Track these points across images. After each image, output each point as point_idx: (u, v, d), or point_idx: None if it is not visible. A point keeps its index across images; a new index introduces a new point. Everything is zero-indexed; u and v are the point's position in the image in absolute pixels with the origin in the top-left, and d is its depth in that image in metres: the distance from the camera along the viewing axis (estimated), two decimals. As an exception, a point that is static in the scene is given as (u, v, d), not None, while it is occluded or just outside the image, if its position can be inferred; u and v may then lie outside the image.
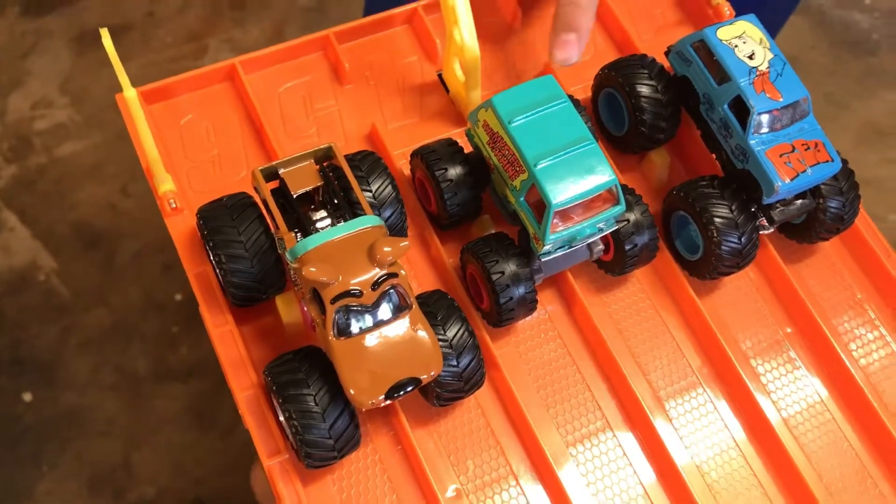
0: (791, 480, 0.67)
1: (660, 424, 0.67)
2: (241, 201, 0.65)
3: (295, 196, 0.63)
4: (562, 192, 0.62)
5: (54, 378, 1.72)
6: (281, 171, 0.63)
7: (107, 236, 1.89)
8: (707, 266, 0.70)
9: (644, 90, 0.72)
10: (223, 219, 0.63)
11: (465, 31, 0.71)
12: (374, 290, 0.58)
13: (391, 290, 0.59)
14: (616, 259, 0.70)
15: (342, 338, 0.58)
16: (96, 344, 1.76)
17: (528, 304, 0.67)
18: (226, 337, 0.66)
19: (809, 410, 0.71)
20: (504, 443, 0.67)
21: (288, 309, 0.67)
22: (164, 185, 0.68)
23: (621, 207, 0.65)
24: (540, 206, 0.64)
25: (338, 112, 0.77)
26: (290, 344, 0.66)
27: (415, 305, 0.60)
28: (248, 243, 0.63)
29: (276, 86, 0.77)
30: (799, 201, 0.70)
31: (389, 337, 0.59)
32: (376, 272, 0.58)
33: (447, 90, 0.78)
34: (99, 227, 1.90)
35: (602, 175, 0.63)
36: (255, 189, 0.64)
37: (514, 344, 0.70)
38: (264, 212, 0.64)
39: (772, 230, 0.72)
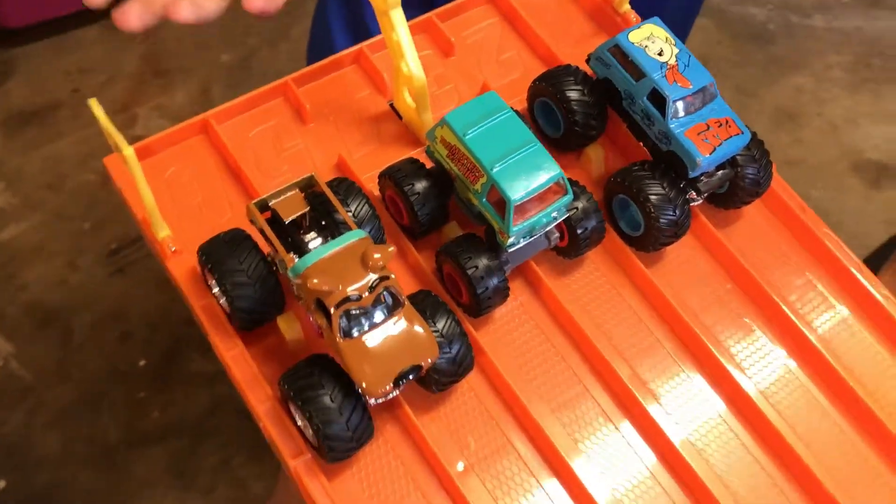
0: (740, 402, 0.77)
1: (628, 379, 0.76)
2: (237, 235, 0.72)
3: (287, 222, 0.71)
4: (518, 188, 0.72)
5: (26, 460, 1.72)
6: (272, 203, 0.71)
7: (61, 312, 1.89)
8: (650, 239, 0.80)
9: (573, 95, 0.82)
10: (224, 252, 0.71)
11: (412, 62, 0.80)
12: (370, 292, 0.66)
13: (385, 292, 0.67)
14: (571, 244, 0.79)
15: (347, 339, 0.66)
16: (64, 419, 1.76)
17: (502, 292, 0.76)
18: (238, 358, 0.73)
19: (758, 352, 0.81)
20: (497, 417, 0.75)
21: (289, 327, 0.74)
22: (162, 231, 0.75)
23: (570, 196, 0.74)
24: (501, 204, 0.73)
25: (305, 149, 0.85)
26: (295, 358, 0.73)
27: (407, 303, 0.68)
28: (249, 271, 0.70)
29: (247, 132, 0.85)
30: (720, 172, 0.81)
31: (389, 332, 0.67)
32: (371, 277, 0.66)
33: (400, 117, 0.87)
34: (51, 305, 1.91)
35: (550, 170, 0.73)
36: (251, 221, 0.72)
37: (494, 331, 0.79)
38: (260, 241, 0.72)
39: (700, 201, 0.82)
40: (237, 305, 0.71)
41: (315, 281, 0.64)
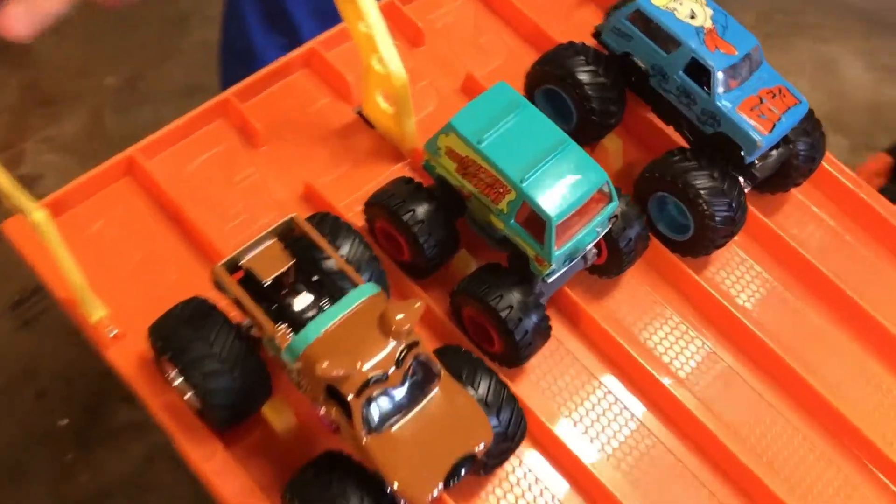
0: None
1: (709, 422, 0.62)
2: (199, 307, 0.54)
3: (267, 284, 0.53)
4: (558, 203, 0.56)
5: (-55, 547, 1.50)
6: (244, 261, 0.54)
7: (-36, 378, 1.67)
8: (702, 242, 0.66)
9: (586, 77, 0.67)
10: (185, 332, 0.53)
11: (389, 57, 0.63)
12: (398, 367, 0.49)
13: (415, 363, 0.50)
14: (612, 259, 0.64)
15: (376, 433, 0.49)
16: (-17, 496, 1.55)
17: (544, 332, 0.60)
18: (220, 469, 0.55)
19: (833, 353, 0.68)
20: (563, 497, 0.59)
21: (279, 417, 0.57)
22: (96, 311, 0.57)
23: (615, 203, 0.60)
24: (536, 225, 0.57)
25: (261, 178, 0.68)
26: (290, 453, 0.56)
27: (443, 372, 0.52)
28: (223, 353, 0.53)
29: (184, 166, 0.67)
30: (775, 152, 0.67)
31: (428, 415, 0.50)
32: (395, 346, 0.49)
33: (372, 126, 0.70)
34: (-48, 372, 1.68)
35: (592, 174, 0.57)
36: (217, 287, 0.54)
37: (534, 381, 0.63)
38: (233, 311, 0.54)
39: (748, 189, 0.69)
40: (212, 402, 0.53)
41: (325, 365, 0.47)
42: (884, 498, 0.63)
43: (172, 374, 0.55)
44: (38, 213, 0.49)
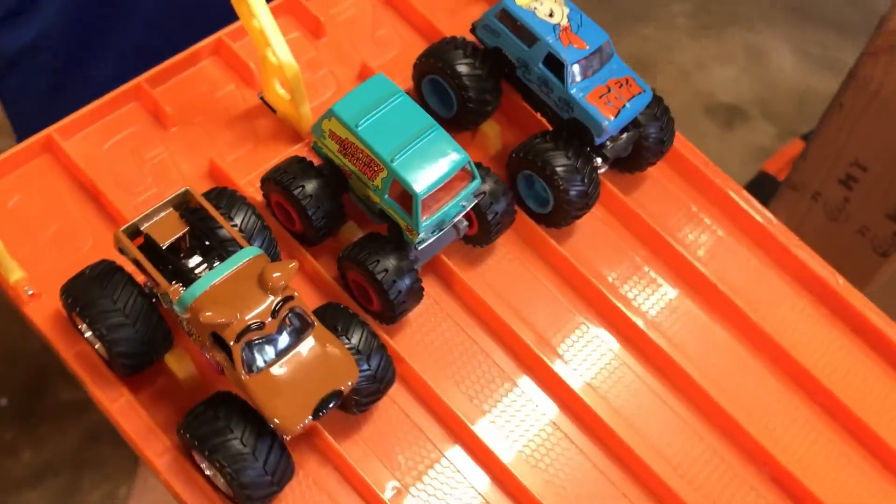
0: (669, 370, 0.74)
1: (555, 364, 0.71)
2: (106, 268, 0.62)
3: (164, 247, 0.61)
4: (423, 180, 0.65)
5: None
6: (144, 227, 0.62)
7: None
8: (560, 214, 0.75)
9: (464, 69, 0.76)
10: (93, 291, 0.61)
11: (280, 50, 0.71)
12: (274, 318, 0.58)
13: (291, 314, 0.59)
14: (481, 231, 0.73)
15: (254, 373, 0.58)
16: (-81, 480, 1.58)
17: (417, 293, 0.69)
18: (125, 409, 0.63)
19: (674, 313, 0.77)
20: (426, 428, 0.69)
21: (180, 364, 0.65)
22: (14, 274, 0.64)
23: (478, 181, 0.68)
24: (406, 199, 0.66)
25: (170, 157, 0.75)
26: (193, 397, 0.64)
27: (317, 322, 0.60)
28: (126, 309, 0.61)
29: (100, 145, 0.74)
30: (625, 135, 0.76)
31: (301, 358, 0.59)
32: (272, 300, 0.58)
33: (273, 111, 0.78)
34: None
35: (454, 155, 0.66)
36: (120, 250, 0.62)
37: (410, 335, 0.72)
38: (135, 271, 0.62)
39: (605, 168, 0.78)
40: (117, 350, 0.61)
41: (208, 314, 0.56)
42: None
43: (82, 326, 0.63)
44: (-42, 185, 0.56)
